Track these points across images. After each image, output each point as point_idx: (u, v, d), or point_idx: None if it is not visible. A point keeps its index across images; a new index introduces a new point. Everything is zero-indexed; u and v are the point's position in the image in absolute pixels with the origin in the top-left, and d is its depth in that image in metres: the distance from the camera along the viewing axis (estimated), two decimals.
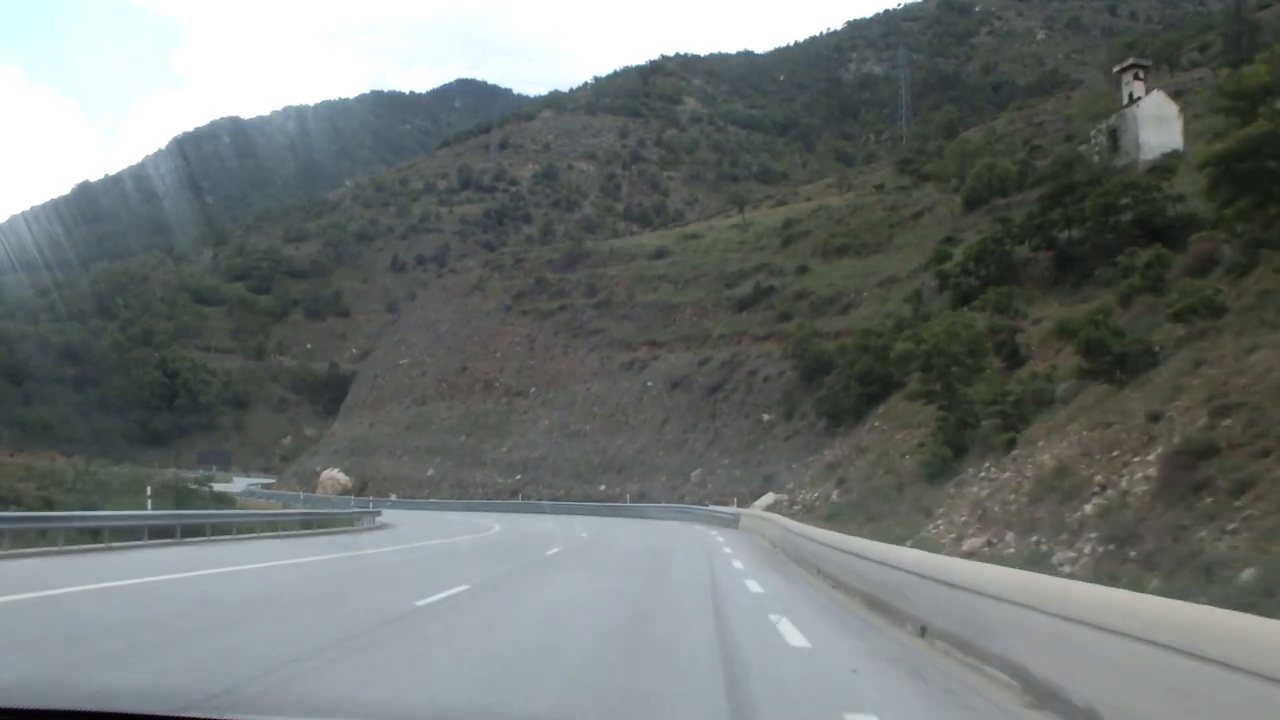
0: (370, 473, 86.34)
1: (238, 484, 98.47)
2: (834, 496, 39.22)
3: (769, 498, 46.51)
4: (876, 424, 44.33)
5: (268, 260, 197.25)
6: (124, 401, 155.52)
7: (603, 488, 65.62)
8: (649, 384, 72.04)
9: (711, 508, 49.61)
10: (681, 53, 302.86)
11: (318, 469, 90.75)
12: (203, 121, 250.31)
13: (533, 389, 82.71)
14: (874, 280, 67.84)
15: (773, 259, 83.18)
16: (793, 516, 36.93)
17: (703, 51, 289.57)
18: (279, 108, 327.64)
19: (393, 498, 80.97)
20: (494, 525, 47.23)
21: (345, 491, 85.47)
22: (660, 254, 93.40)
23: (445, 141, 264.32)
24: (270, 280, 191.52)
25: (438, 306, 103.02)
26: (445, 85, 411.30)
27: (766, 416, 59.28)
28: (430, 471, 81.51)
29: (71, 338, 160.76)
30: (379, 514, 46.75)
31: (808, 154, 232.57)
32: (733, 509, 45.48)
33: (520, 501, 69.70)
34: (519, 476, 74.11)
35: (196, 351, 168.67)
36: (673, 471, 62.41)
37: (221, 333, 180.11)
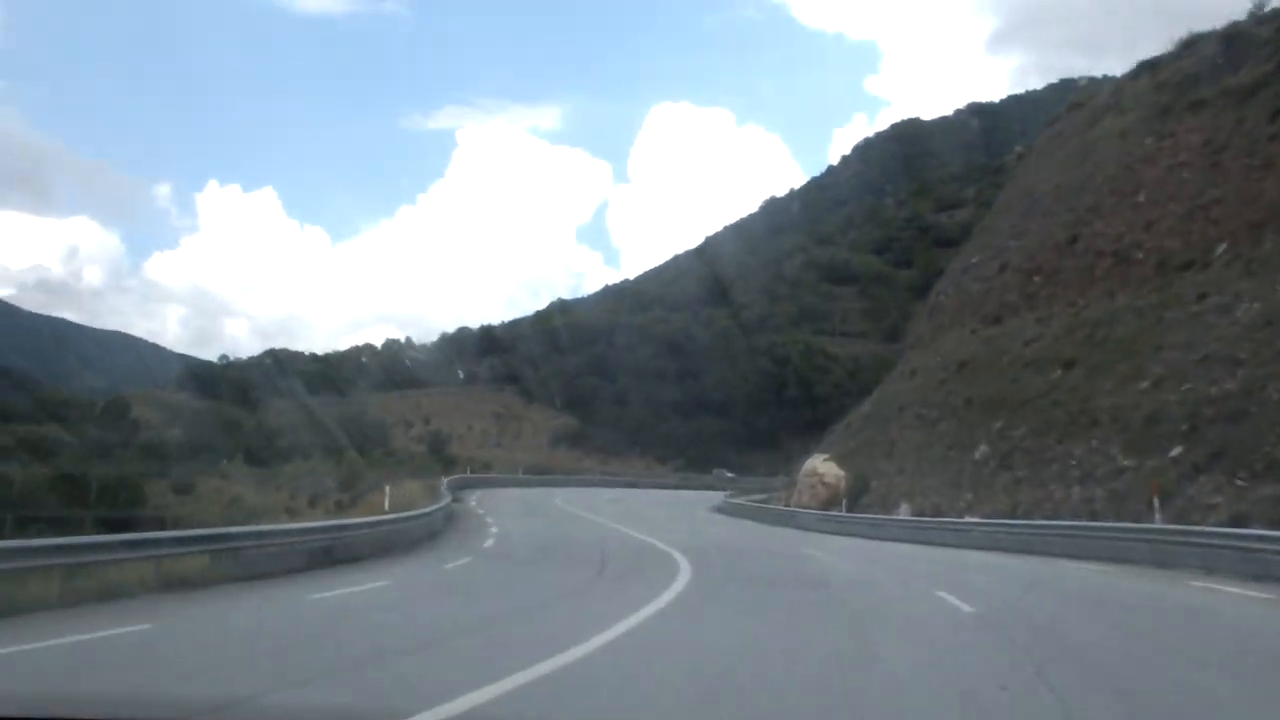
0: (879, 461, 41.31)
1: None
2: None
3: None
4: None
5: (911, 229, 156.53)
6: (725, 397, 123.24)
7: None
8: None
9: None
10: None
11: (819, 460, 47.10)
12: (884, 127, 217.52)
13: (1220, 246, 32.19)
14: None
15: None
16: None
17: None
18: (961, 105, 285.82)
19: (903, 511, 35.57)
20: None
21: (832, 498, 41.32)
22: None
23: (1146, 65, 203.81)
24: (912, 251, 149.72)
25: (1038, 163, 54.63)
26: (1140, 63, 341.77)
27: None
28: (980, 449, 34.45)
29: (674, 328, 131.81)
30: None
31: None
32: None
33: (1171, 533, 21.14)
34: (1176, 449, 25.01)
35: (814, 336, 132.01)
36: None
37: (853, 314, 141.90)
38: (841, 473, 41.70)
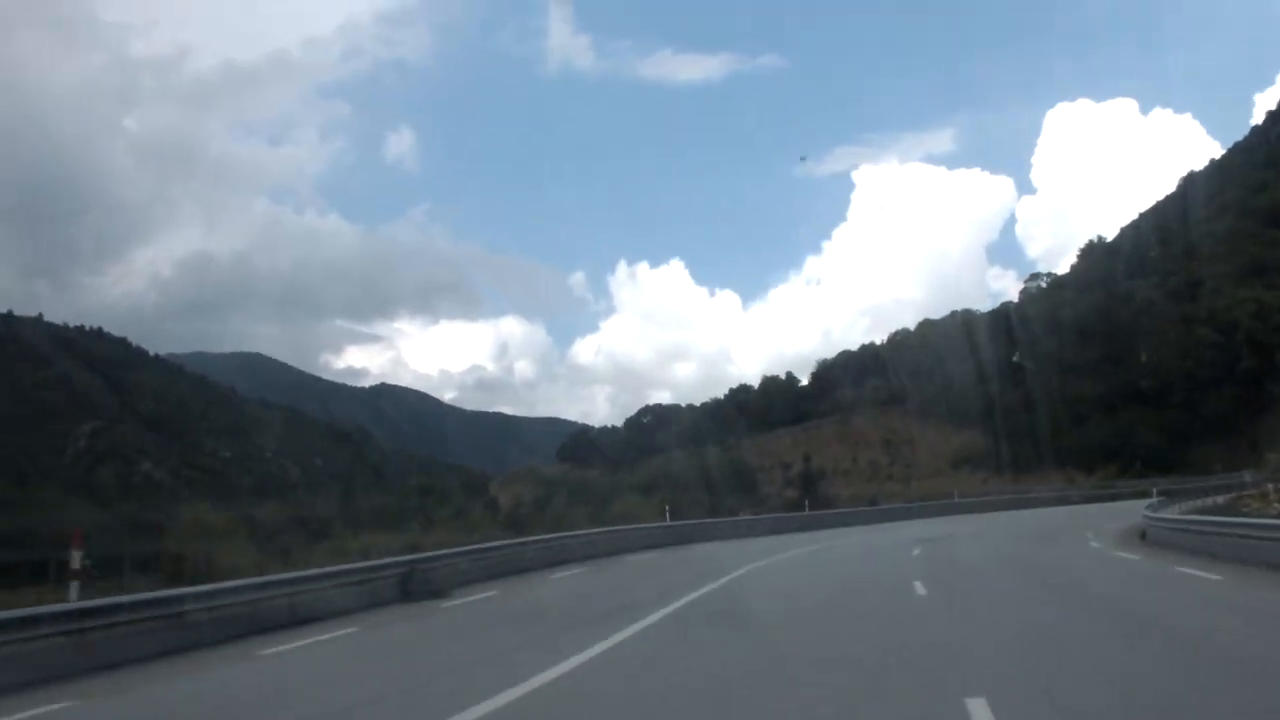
0: None
1: None
2: None
3: None
4: None
5: None
6: (1159, 382, 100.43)
7: None
8: None
9: None
10: None
11: None
12: None
13: None
14: None
15: None
16: None
17: None
18: None
19: None
20: None
21: None
22: None
23: None
24: None
25: None
26: None
27: None
28: None
29: (1084, 310, 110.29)
30: None
31: None
32: None
33: None
34: None
35: (1266, 292, 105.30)
36: None
37: None
38: None
